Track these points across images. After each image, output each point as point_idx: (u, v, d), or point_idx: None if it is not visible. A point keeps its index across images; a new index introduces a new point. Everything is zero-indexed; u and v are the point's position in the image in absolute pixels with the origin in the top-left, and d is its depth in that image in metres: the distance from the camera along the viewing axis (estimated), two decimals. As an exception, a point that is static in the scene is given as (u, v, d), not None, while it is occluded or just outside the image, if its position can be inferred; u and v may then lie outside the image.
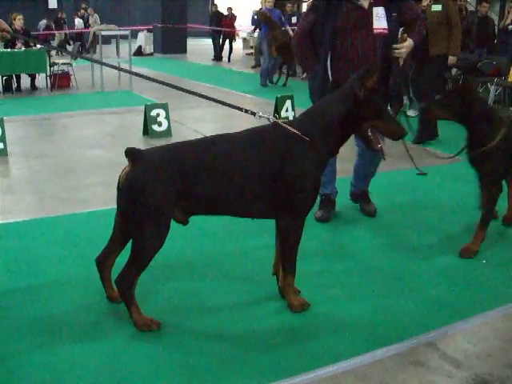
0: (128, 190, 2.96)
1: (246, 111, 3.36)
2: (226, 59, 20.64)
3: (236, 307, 3.40)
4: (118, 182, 3.02)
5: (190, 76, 15.32)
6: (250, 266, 3.93)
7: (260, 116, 3.32)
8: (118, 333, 3.10)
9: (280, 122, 3.16)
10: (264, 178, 3.04)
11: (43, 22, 22.56)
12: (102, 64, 4.45)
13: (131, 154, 2.99)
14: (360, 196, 5.09)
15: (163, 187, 2.94)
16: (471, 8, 14.59)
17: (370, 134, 3.22)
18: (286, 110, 8.54)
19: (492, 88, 10.71)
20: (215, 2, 28.50)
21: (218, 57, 20.74)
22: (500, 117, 4.11)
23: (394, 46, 4.39)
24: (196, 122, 8.91)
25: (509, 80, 10.73)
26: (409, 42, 4.44)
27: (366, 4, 4.34)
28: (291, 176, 3.05)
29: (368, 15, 4.34)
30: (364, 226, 4.72)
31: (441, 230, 4.65)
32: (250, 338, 3.09)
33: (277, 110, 8.51)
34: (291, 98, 8.65)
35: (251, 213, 3.20)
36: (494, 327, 3.27)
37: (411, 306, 3.44)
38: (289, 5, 16.18)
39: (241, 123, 8.95)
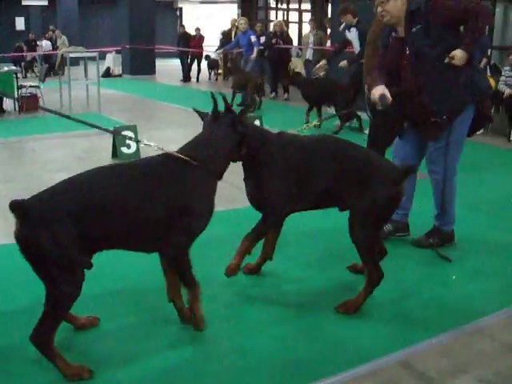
0: (24, 249, 2.82)
1: (130, 138, 3.48)
2: (195, 79, 20.69)
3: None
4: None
5: (158, 97, 15.33)
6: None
7: (145, 144, 3.50)
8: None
9: (168, 150, 3.21)
10: (161, 209, 3.03)
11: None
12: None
13: (16, 210, 2.81)
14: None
15: (59, 236, 2.79)
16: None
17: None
18: (255, 130, 8.57)
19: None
20: (183, 23, 28.63)
21: (186, 77, 20.77)
22: None
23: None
24: (165, 143, 8.70)
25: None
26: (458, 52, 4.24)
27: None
28: (186, 204, 3.08)
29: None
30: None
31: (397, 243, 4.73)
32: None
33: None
34: (260, 118, 8.69)
35: (152, 246, 3.18)
36: (464, 343, 3.31)
37: (381, 325, 3.47)
38: (258, 24, 16.30)
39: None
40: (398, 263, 4.42)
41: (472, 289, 4.03)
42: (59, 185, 3.00)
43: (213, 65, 21.66)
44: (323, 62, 10.45)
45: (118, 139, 7.73)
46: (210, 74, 21.96)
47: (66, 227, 2.80)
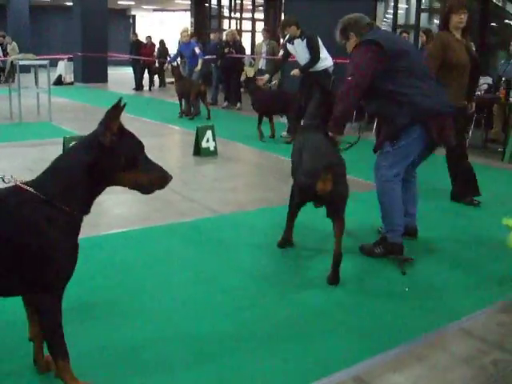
0: None
1: None
2: (147, 88, 20.60)
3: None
4: None
5: (110, 105, 15.13)
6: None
7: None
8: None
9: (19, 182, 2.61)
10: (6, 252, 2.52)
11: None
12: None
13: None
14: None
15: None
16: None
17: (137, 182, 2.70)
18: (207, 141, 8.56)
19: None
20: (136, 31, 28.52)
21: (138, 86, 20.66)
22: None
23: None
24: None
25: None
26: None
27: None
28: (35, 247, 2.52)
29: None
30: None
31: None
32: None
33: (197, 141, 8.55)
34: (212, 128, 8.69)
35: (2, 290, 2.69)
36: (417, 356, 3.34)
37: (335, 338, 3.48)
38: (215, 33, 16.38)
39: (161, 154, 8.96)
40: (358, 273, 4.47)
41: (424, 301, 4.09)
42: None
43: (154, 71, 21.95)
44: (266, 76, 10.55)
45: (67, 148, 7.63)
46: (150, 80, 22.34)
47: None
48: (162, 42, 20.91)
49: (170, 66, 14.23)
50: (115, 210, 5.90)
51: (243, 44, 16.84)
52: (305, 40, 9.61)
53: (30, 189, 2.55)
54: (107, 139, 2.57)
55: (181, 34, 14.72)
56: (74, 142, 7.57)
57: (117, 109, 2.61)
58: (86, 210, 2.67)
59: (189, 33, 14.28)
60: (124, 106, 2.64)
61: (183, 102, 13.15)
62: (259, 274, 4.40)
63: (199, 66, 13.96)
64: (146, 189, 2.72)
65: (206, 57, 15.37)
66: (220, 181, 7.03)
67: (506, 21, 14.37)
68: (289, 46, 10.06)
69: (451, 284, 4.37)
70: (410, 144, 4.68)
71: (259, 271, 4.46)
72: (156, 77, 21.55)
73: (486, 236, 5.49)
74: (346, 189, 4.31)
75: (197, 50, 13.98)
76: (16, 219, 2.52)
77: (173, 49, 20.24)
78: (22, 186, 2.57)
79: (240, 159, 8.53)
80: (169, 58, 16.67)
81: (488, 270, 4.64)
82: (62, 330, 2.68)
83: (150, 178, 2.69)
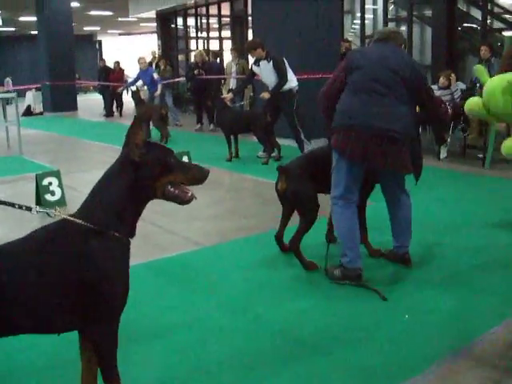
0: None
1: (20, 207, 2.78)
2: (118, 114, 20.36)
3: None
4: None
5: (81, 134, 14.97)
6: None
7: (38, 211, 2.77)
8: None
9: (62, 213, 2.65)
10: (61, 287, 2.53)
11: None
12: None
13: None
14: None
15: None
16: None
17: (171, 189, 2.73)
18: (184, 167, 8.35)
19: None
20: (103, 57, 28.36)
21: (109, 112, 20.42)
22: None
23: None
24: (91, 186, 8.46)
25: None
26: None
27: None
28: (93, 278, 2.54)
29: None
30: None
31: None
32: None
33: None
34: (187, 153, 8.49)
35: (53, 328, 2.67)
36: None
37: (339, 373, 3.31)
38: (196, 54, 16.24)
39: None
40: (347, 303, 4.30)
41: (427, 328, 3.92)
42: None
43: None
44: (230, 95, 10.88)
45: (40, 185, 7.42)
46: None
47: None
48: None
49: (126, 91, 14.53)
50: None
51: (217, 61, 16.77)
52: (271, 62, 9.64)
53: (79, 220, 2.58)
54: (137, 154, 2.63)
55: (138, 61, 14.93)
56: (47, 178, 7.47)
57: (135, 125, 2.67)
58: (133, 233, 2.72)
59: (146, 60, 14.70)
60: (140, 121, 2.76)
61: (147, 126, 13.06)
62: (252, 314, 4.20)
63: (159, 91, 14.29)
64: (191, 185, 2.78)
65: (179, 79, 15.39)
66: (199, 209, 6.81)
67: (473, 25, 14.39)
68: (255, 68, 10.10)
69: (453, 306, 4.20)
70: (338, 162, 4.61)
71: (251, 310, 4.26)
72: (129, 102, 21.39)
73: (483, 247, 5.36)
74: (299, 188, 4.95)
75: (155, 76, 14.45)
76: (70, 253, 2.55)
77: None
78: (71, 218, 2.60)
79: (218, 184, 8.30)
80: (125, 83, 17.05)
81: (490, 288, 4.49)
82: (116, 356, 2.73)
83: (188, 176, 2.76)
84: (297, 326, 3.97)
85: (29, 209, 2.76)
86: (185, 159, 8.36)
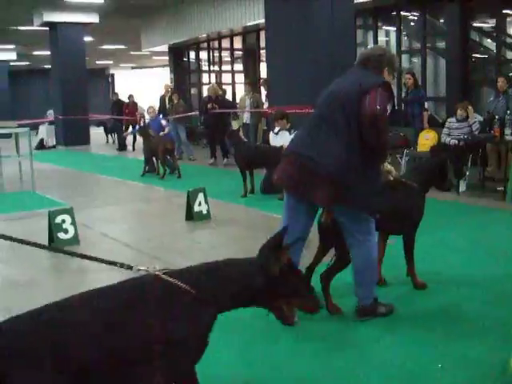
0: None
1: (122, 266, 2.80)
2: (131, 148, 20.30)
3: None
4: None
5: (94, 169, 14.87)
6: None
7: (139, 269, 2.75)
8: None
9: (162, 274, 2.64)
10: (150, 343, 2.53)
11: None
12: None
13: None
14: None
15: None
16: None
17: (284, 308, 2.76)
18: (199, 204, 8.20)
19: (403, 159, 10.88)
20: (116, 91, 28.50)
21: (122, 146, 20.36)
22: None
23: None
24: (104, 223, 8.38)
25: (418, 150, 10.93)
26: None
27: None
28: (173, 337, 2.55)
29: None
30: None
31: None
32: None
33: (189, 205, 8.19)
34: (203, 190, 8.34)
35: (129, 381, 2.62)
36: None
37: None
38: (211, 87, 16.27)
39: (152, 221, 8.61)
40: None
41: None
42: (38, 314, 2.53)
43: (112, 129, 23.26)
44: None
45: (53, 223, 7.29)
46: (107, 138, 24.22)
47: (43, 371, 2.37)
48: (161, 99, 20.83)
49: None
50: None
51: (228, 97, 16.73)
52: (293, 134, 9.46)
53: (175, 280, 2.60)
54: (277, 271, 2.65)
55: (147, 110, 15.22)
56: (60, 216, 7.34)
57: (286, 246, 2.71)
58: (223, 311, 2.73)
59: (156, 108, 15.03)
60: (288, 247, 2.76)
61: (154, 160, 13.35)
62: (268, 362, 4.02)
63: (166, 130, 14.23)
64: (302, 311, 2.88)
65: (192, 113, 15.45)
66: (217, 248, 6.65)
67: (486, 56, 14.31)
68: (272, 136, 10.17)
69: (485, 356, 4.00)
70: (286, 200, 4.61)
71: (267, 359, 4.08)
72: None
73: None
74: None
75: (163, 123, 14.44)
76: (163, 309, 2.56)
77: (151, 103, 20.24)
78: (166, 278, 2.61)
79: (235, 221, 8.17)
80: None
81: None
82: None
83: (305, 304, 2.82)
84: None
85: (130, 268, 2.77)
86: (200, 196, 8.22)
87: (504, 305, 4.82)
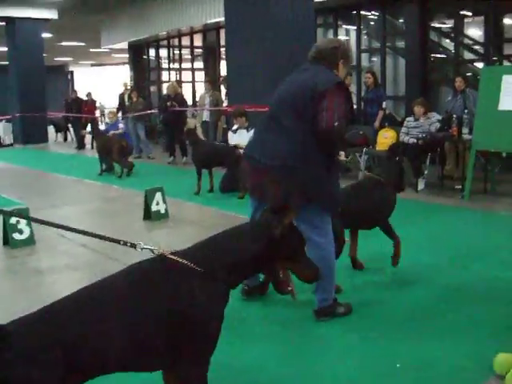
0: None
1: (125, 243, 2.78)
2: (90, 146, 20.03)
3: None
4: None
5: (52, 168, 14.62)
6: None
7: (142, 248, 2.75)
8: None
9: (167, 254, 2.62)
10: (160, 324, 2.52)
11: None
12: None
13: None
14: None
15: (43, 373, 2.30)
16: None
17: (281, 274, 2.79)
18: (157, 204, 8.12)
19: (362, 158, 10.91)
20: (75, 88, 28.15)
21: (80, 144, 20.07)
22: None
23: None
24: (61, 223, 8.20)
25: (377, 149, 10.97)
26: None
27: None
28: (192, 317, 2.54)
29: None
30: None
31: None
32: None
33: (147, 204, 8.10)
34: (161, 189, 8.24)
35: (148, 366, 2.66)
36: None
37: None
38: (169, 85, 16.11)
39: (109, 221, 8.48)
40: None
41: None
42: (44, 311, 2.49)
43: (60, 127, 23.65)
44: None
45: (8, 224, 7.13)
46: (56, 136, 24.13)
47: (53, 362, 2.32)
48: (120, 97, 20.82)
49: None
50: (65, 291, 5.40)
51: (184, 95, 16.59)
52: (251, 132, 9.41)
53: (181, 259, 2.59)
54: (279, 233, 2.64)
55: (107, 115, 15.35)
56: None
57: (290, 207, 2.72)
58: (235, 286, 2.76)
59: (115, 113, 15.08)
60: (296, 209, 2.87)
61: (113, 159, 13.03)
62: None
63: (120, 130, 14.08)
64: (299, 279, 2.84)
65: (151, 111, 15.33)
66: (175, 248, 6.56)
67: (445, 56, 14.44)
68: (230, 135, 10.24)
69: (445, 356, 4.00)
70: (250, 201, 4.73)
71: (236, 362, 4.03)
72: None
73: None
74: None
75: (120, 126, 14.34)
76: (173, 291, 2.55)
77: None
78: (172, 257, 2.60)
79: (193, 221, 8.10)
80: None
81: (474, 328, 4.30)
82: None
83: (304, 272, 2.81)
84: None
85: (133, 246, 2.78)
86: (158, 196, 8.14)
87: (463, 303, 4.85)
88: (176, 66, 22.68)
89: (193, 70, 21.72)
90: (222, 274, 2.63)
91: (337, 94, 4.11)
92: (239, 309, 4.78)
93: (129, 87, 18.90)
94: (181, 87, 18.66)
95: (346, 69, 4.49)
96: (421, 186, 9.88)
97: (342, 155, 5.20)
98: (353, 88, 15.02)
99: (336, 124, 3.98)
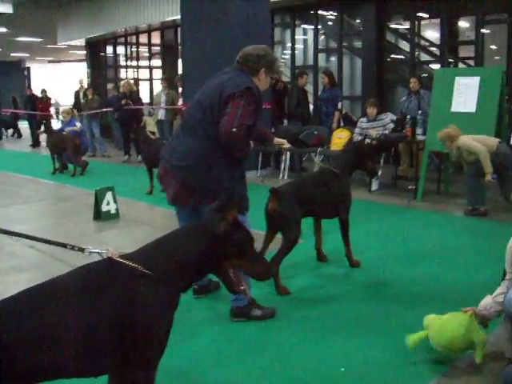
0: None
1: (72, 248, 2.71)
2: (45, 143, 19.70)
3: None
4: None
5: (4, 166, 14.27)
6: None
7: (90, 252, 2.69)
8: None
9: (116, 257, 2.54)
10: (106, 329, 2.45)
11: None
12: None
13: None
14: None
15: None
16: (286, 79, 14.97)
17: (231, 274, 2.72)
18: (108, 204, 7.97)
19: (317, 157, 10.89)
20: (31, 85, 27.70)
21: (35, 142, 19.73)
22: None
23: None
24: (10, 223, 7.78)
25: (331, 149, 10.96)
26: None
27: None
28: (138, 321, 2.47)
29: None
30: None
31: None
32: None
33: (97, 204, 7.96)
34: (112, 189, 8.10)
35: (93, 371, 2.57)
36: None
37: None
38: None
39: (59, 221, 8.31)
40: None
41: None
42: None
43: (8, 124, 23.43)
44: None
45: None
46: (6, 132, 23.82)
47: None
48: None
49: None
50: (9, 292, 5.26)
51: (141, 93, 16.44)
52: None
53: (128, 262, 2.51)
54: (221, 229, 2.60)
55: (61, 114, 14.73)
56: None
57: (231, 202, 2.67)
58: (184, 290, 2.69)
59: (70, 112, 14.37)
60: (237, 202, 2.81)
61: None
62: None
63: (76, 128, 13.76)
64: (251, 277, 2.81)
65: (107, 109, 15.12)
66: (123, 249, 6.44)
67: (401, 57, 14.53)
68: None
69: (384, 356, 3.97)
70: None
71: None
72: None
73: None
74: (287, 211, 5.13)
75: (78, 125, 13.97)
76: (118, 295, 2.47)
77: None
78: (119, 259, 2.53)
79: (144, 221, 7.97)
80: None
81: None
82: None
83: (253, 269, 2.75)
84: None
85: (81, 250, 2.71)
86: (109, 195, 8.01)
87: (411, 303, 4.86)
88: (134, 63, 22.46)
89: (150, 67, 21.53)
90: (170, 277, 2.57)
91: (244, 99, 4.09)
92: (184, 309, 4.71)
93: (84, 84, 18.62)
94: (138, 85, 18.48)
95: (268, 78, 4.46)
96: (375, 186, 9.92)
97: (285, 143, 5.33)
98: (309, 88, 15.04)
99: (234, 130, 3.97)
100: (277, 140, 5.11)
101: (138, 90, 15.89)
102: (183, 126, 4.42)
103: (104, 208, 7.96)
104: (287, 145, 5.18)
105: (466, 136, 8.07)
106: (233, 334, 4.34)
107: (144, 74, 21.95)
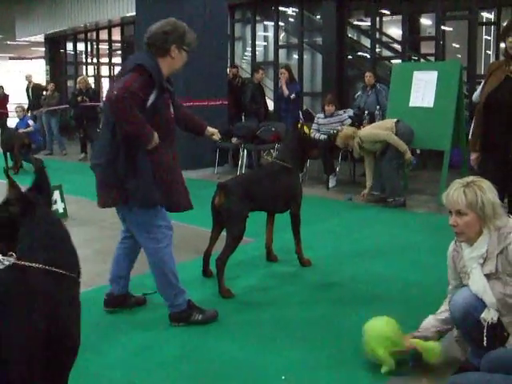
0: None
1: None
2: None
3: None
4: None
5: None
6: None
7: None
8: None
9: (18, 262, 2.35)
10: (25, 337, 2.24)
11: None
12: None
13: None
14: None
15: None
16: (246, 75, 14.80)
17: None
18: (55, 203, 7.70)
19: (275, 153, 10.75)
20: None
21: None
22: None
23: None
24: None
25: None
26: None
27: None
28: (56, 323, 2.32)
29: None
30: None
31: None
32: None
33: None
34: (59, 187, 7.84)
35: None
36: None
37: None
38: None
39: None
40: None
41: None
42: None
43: None
44: None
45: None
46: None
47: None
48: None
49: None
50: None
51: (103, 90, 16.17)
52: None
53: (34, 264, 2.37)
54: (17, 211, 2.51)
55: (15, 109, 14.37)
56: None
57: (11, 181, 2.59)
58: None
59: (24, 108, 14.41)
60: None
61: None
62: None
63: (30, 128, 13.47)
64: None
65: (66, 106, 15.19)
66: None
67: (363, 53, 14.46)
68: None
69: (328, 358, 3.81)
70: None
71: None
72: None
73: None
74: (234, 206, 5.00)
75: (30, 122, 13.72)
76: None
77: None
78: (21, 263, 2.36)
79: (93, 220, 7.69)
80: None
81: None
82: None
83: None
84: None
85: None
86: (56, 194, 7.75)
87: (357, 306, 4.71)
88: (94, 60, 22.11)
89: (111, 64, 21.22)
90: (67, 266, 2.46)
91: (133, 72, 3.88)
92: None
93: (32, 81, 18.28)
94: (99, 82, 18.16)
95: (184, 53, 4.16)
96: (332, 183, 9.79)
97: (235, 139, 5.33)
98: (269, 84, 14.91)
99: (115, 93, 3.73)
100: (208, 130, 4.72)
101: (96, 87, 15.57)
102: (103, 122, 4.22)
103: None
104: (217, 136, 4.84)
105: (363, 129, 8.58)
106: (168, 340, 4.15)
107: (105, 71, 21.64)
